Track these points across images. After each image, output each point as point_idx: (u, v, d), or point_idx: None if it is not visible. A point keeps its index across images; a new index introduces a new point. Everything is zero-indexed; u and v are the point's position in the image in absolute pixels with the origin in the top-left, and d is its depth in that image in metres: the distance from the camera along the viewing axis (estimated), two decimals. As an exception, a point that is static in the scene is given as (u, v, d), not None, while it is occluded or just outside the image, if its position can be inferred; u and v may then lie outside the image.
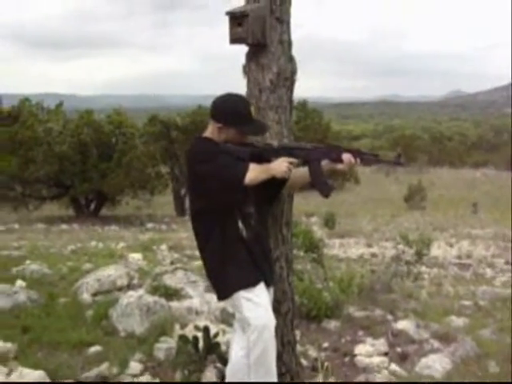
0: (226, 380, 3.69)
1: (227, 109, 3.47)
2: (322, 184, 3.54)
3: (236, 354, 3.59)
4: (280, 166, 3.38)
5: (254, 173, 3.31)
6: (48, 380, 4.18)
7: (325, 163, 3.52)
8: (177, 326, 5.23)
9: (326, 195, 3.52)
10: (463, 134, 75.30)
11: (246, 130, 3.51)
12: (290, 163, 3.41)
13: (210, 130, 3.52)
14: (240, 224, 3.45)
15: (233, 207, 3.44)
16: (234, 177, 3.30)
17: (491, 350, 5.10)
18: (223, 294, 3.54)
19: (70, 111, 28.67)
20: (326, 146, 3.56)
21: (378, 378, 4.49)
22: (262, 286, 3.49)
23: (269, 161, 3.46)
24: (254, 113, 3.69)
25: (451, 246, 17.42)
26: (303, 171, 3.56)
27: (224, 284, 3.50)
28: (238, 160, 3.36)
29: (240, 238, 3.45)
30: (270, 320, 3.46)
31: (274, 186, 3.56)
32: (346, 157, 3.44)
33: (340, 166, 3.49)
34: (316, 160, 3.50)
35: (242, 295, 3.42)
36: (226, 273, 3.46)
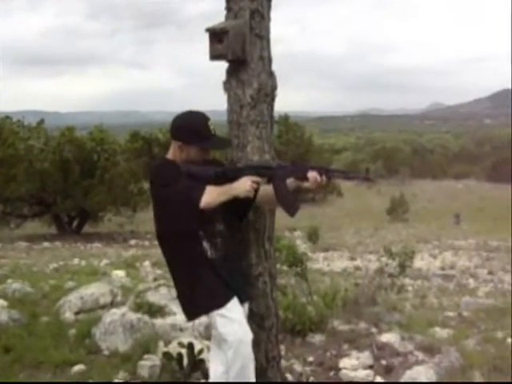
0: (208, 397, 3.67)
1: (185, 126, 3.45)
2: (287, 203, 3.47)
3: (215, 370, 3.58)
4: (243, 185, 3.33)
5: (211, 196, 3.27)
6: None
7: (290, 181, 3.47)
8: (161, 343, 5.19)
9: (292, 214, 3.46)
10: (444, 146, 75.88)
11: (206, 146, 3.48)
12: (254, 182, 3.36)
13: (172, 151, 3.50)
14: (205, 244, 3.42)
15: (195, 229, 3.41)
16: (190, 201, 3.27)
17: (476, 361, 5.11)
18: (191, 315, 3.55)
19: (52, 128, 28.52)
20: (292, 163, 3.52)
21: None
22: (234, 302, 3.45)
23: (233, 179, 3.40)
24: (235, 128, 3.69)
25: (434, 257, 17.54)
26: (270, 190, 3.49)
27: (192, 306, 3.48)
28: (197, 183, 3.32)
29: (205, 258, 3.42)
30: (246, 335, 3.43)
31: (242, 204, 3.51)
32: (312, 175, 3.37)
33: (306, 184, 3.43)
34: (281, 178, 3.45)
35: (217, 312, 3.40)
36: (193, 295, 3.44)
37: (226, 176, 3.46)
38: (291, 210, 3.48)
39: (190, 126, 3.44)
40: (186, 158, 3.44)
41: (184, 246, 3.43)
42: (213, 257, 3.44)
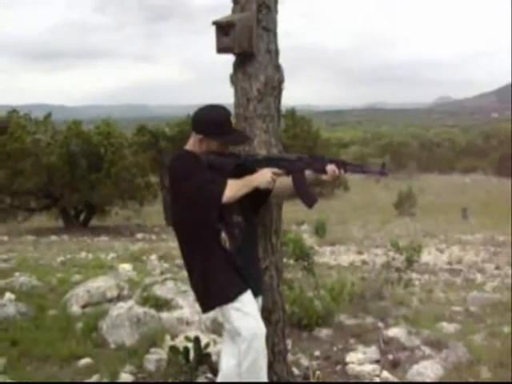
0: (218, 390, 3.67)
1: (208, 120, 3.46)
2: (305, 195, 3.53)
3: (227, 363, 3.58)
4: (264, 176, 3.39)
5: (233, 190, 3.31)
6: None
7: (308, 174, 3.52)
8: (167, 337, 5.20)
9: (310, 206, 3.53)
10: (452, 140, 75.59)
11: (227, 140, 3.51)
12: (275, 173, 3.42)
13: (192, 142, 3.52)
14: (223, 235, 3.44)
15: (214, 221, 3.42)
16: (212, 196, 3.31)
17: (483, 356, 5.10)
18: (207, 306, 3.55)
19: (59, 122, 28.53)
20: (310, 156, 3.54)
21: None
22: (249, 295, 3.47)
23: (253, 171, 3.46)
24: (242, 122, 3.69)
25: (442, 251, 17.46)
26: (287, 181, 3.55)
27: (208, 297, 3.49)
28: (218, 175, 3.35)
29: (223, 250, 3.43)
30: (261, 329, 3.45)
31: (259, 196, 3.55)
32: (330, 168, 3.44)
33: (324, 177, 3.48)
34: (299, 171, 3.50)
35: (231, 306, 3.41)
36: (209, 286, 3.45)
37: (246, 168, 3.49)
38: (309, 202, 3.54)
39: (213, 119, 3.46)
40: (205, 151, 3.46)
41: (202, 236, 3.43)
42: (231, 248, 3.45)
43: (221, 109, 3.54)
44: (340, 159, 3.56)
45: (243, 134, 3.75)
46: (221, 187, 3.30)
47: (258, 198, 3.59)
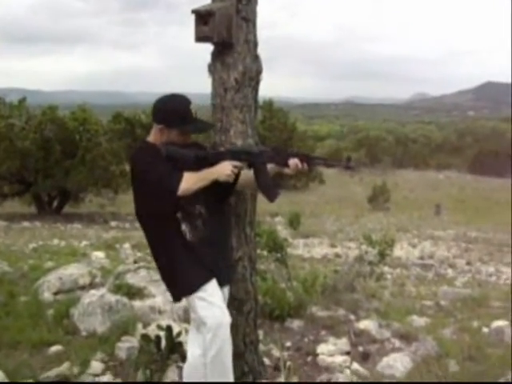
0: (184, 380, 3.68)
1: (167, 109, 3.44)
2: (267, 189, 3.50)
3: (192, 353, 3.59)
4: (223, 169, 3.35)
5: (189, 183, 3.28)
6: (6, 380, 4.11)
7: (271, 167, 3.50)
8: (139, 326, 5.19)
9: (271, 200, 3.49)
10: (427, 137, 76.18)
11: (188, 129, 3.48)
12: (235, 167, 3.38)
13: (153, 133, 3.49)
14: (183, 227, 3.43)
15: (173, 213, 3.41)
16: (167, 188, 3.28)
17: (451, 350, 5.17)
18: (175, 296, 3.58)
19: (34, 107, 28.18)
20: (273, 149, 3.50)
21: (341, 377, 4.50)
22: (213, 285, 3.46)
23: (214, 163, 3.41)
24: (219, 112, 3.67)
25: (414, 246, 17.67)
26: (250, 175, 3.52)
27: (175, 287, 3.52)
28: (175, 168, 3.32)
29: (184, 241, 3.43)
30: (225, 318, 3.44)
31: (222, 188, 3.51)
32: (293, 162, 3.42)
33: (286, 171, 3.47)
34: (261, 164, 3.48)
35: (195, 295, 3.41)
36: (174, 276, 3.47)
37: (208, 160, 3.45)
38: (271, 196, 3.50)
39: (172, 109, 3.43)
40: (166, 141, 3.43)
41: (163, 227, 3.43)
42: (192, 239, 3.44)
43: (180, 98, 3.51)
44: (304, 153, 3.54)
45: (205, 122, 3.68)
46: (176, 180, 3.27)
47: (221, 191, 3.54)
